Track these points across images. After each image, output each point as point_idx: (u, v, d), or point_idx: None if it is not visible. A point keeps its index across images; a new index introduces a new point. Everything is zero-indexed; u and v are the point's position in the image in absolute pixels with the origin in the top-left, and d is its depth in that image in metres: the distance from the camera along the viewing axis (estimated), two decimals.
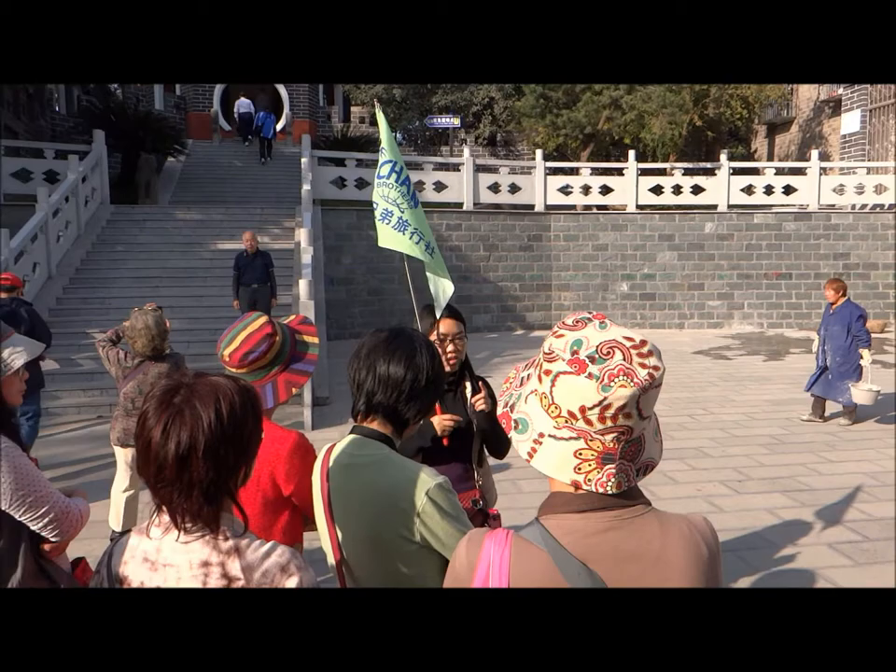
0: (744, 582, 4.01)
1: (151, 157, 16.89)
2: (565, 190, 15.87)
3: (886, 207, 15.84)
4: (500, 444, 2.63)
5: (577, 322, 1.09)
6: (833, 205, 16.12)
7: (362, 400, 1.59)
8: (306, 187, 12.77)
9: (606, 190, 15.86)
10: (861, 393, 7.12)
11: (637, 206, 15.72)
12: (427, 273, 3.20)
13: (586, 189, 15.86)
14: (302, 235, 10.64)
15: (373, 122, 24.47)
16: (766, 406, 8.31)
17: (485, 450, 2.66)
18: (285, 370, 1.90)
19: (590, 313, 1.11)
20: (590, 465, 1.05)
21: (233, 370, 1.87)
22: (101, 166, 13.46)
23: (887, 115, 16.87)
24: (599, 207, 16.67)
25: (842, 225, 15.59)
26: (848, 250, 15.55)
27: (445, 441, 2.36)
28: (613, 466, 1.06)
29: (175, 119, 21.04)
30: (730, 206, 15.74)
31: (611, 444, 1.04)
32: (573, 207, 16.28)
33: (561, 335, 1.08)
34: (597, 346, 1.03)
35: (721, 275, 15.57)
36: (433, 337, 2.65)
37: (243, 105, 21.21)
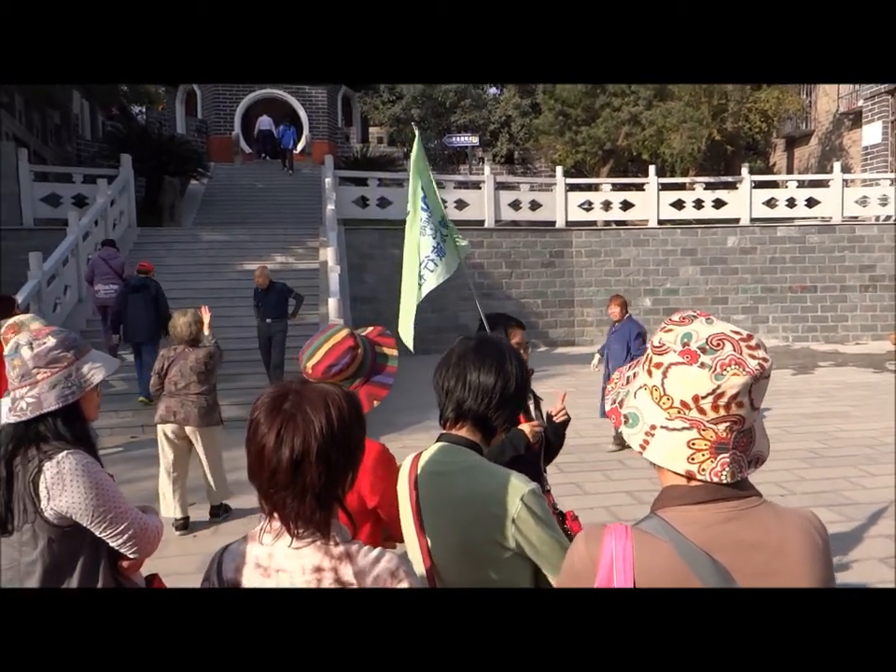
0: None
1: (175, 180, 17.14)
2: (585, 206, 15.89)
3: None
4: (555, 453, 2.69)
5: (683, 318, 1.12)
6: (857, 217, 16.01)
7: (451, 407, 1.59)
8: (330, 206, 12.88)
9: (627, 206, 15.86)
10: None
11: (659, 221, 15.70)
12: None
13: (607, 205, 15.87)
14: (329, 254, 10.72)
15: (392, 142, 24.72)
16: (800, 420, 8.21)
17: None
18: (366, 382, 1.90)
19: (693, 311, 1.13)
20: (703, 455, 1.06)
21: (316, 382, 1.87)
22: (128, 190, 13.67)
23: None
24: (620, 223, 16.66)
25: (867, 237, 15.47)
26: (874, 262, 15.40)
27: (536, 447, 2.41)
28: (727, 455, 1.07)
29: (196, 142, 21.33)
30: (752, 220, 15.67)
31: (724, 434, 1.06)
32: (594, 223, 16.29)
33: (669, 330, 1.11)
34: (707, 338, 1.06)
35: (744, 289, 15.47)
36: None
37: (264, 122, 21.84)
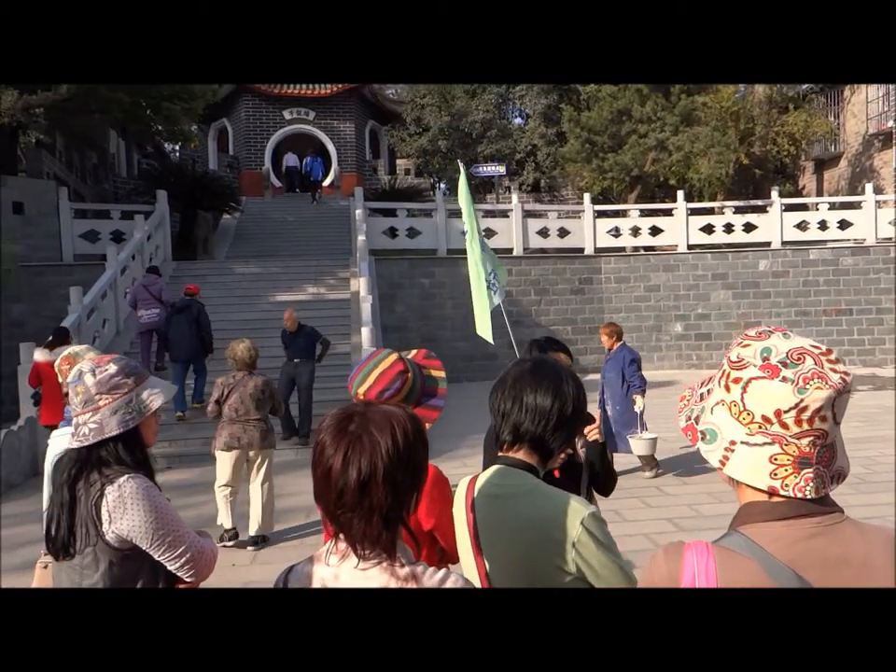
0: None
1: (208, 215, 17.51)
2: (614, 233, 15.88)
3: None
4: (608, 479, 2.61)
5: (760, 333, 1.12)
6: (891, 238, 15.78)
7: (508, 430, 1.60)
8: (361, 237, 13.05)
9: (655, 231, 15.83)
10: (638, 443, 6.75)
11: (689, 246, 15.63)
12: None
13: (636, 231, 15.85)
14: (361, 284, 10.83)
15: (419, 174, 25.02)
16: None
17: (593, 491, 2.62)
18: (417, 405, 1.92)
19: (769, 326, 1.13)
20: (786, 470, 1.05)
21: None
22: (164, 225, 14.00)
23: None
24: (649, 248, 16.61)
25: None
26: None
27: (556, 474, 2.35)
28: (810, 470, 1.06)
29: (228, 177, 21.81)
30: (784, 243, 15.53)
31: (807, 448, 1.05)
32: (623, 249, 16.26)
33: (747, 345, 1.10)
34: (787, 352, 1.06)
35: (778, 313, 15.27)
36: None
37: (290, 159, 22.45)
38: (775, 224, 15.52)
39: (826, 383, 1.02)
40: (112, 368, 1.93)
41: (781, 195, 16.12)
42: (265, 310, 12.24)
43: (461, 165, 3.87)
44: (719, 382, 1.13)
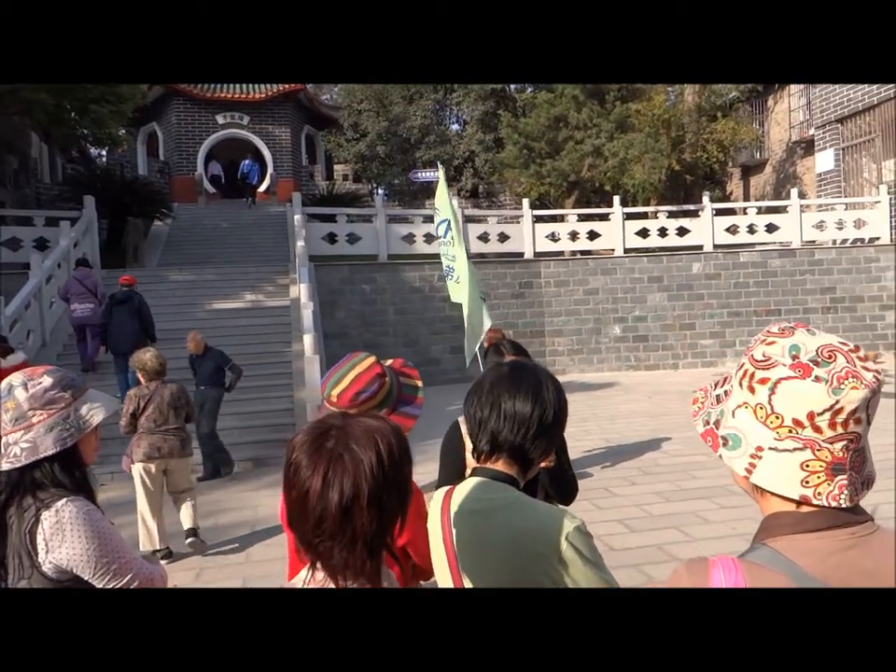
0: None
1: (138, 221, 16.89)
2: (553, 237, 16.06)
3: (866, 241, 16.20)
4: (565, 493, 2.54)
5: (783, 330, 1.04)
6: (815, 241, 16.45)
7: (485, 440, 1.51)
8: (300, 243, 12.80)
9: (593, 236, 16.07)
10: None
11: (625, 250, 15.92)
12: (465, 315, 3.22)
13: (574, 236, 16.06)
14: (302, 291, 10.60)
15: (357, 179, 24.80)
16: None
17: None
18: (392, 412, 1.81)
19: (789, 322, 1.06)
20: (819, 477, 0.98)
21: (341, 411, 1.77)
22: (91, 231, 13.43)
23: (859, 153, 17.39)
24: (587, 252, 16.85)
25: (826, 260, 15.88)
26: (834, 284, 15.79)
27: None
28: (844, 477, 0.98)
29: (159, 183, 21.14)
30: (715, 246, 15.99)
31: (841, 453, 0.97)
32: (562, 253, 16.45)
33: (772, 342, 1.02)
34: (817, 350, 0.98)
35: (711, 314, 15.71)
36: None
37: (214, 168, 22.37)
38: (706, 228, 15.97)
39: (861, 382, 0.95)
40: (47, 380, 1.75)
41: (711, 200, 16.61)
42: (201, 318, 11.86)
43: (440, 167, 3.78)
44: (740, 383, 1.05)
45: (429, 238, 15.41)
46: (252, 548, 5.58)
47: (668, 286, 15.72)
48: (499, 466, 1.52)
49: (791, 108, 21.43)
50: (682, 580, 1.03)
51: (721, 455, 1.07)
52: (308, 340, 8.66)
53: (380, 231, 14.89)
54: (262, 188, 22.92)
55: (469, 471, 1.64)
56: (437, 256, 15.51)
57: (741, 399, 1.04)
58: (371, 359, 1.82)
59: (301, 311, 10.16)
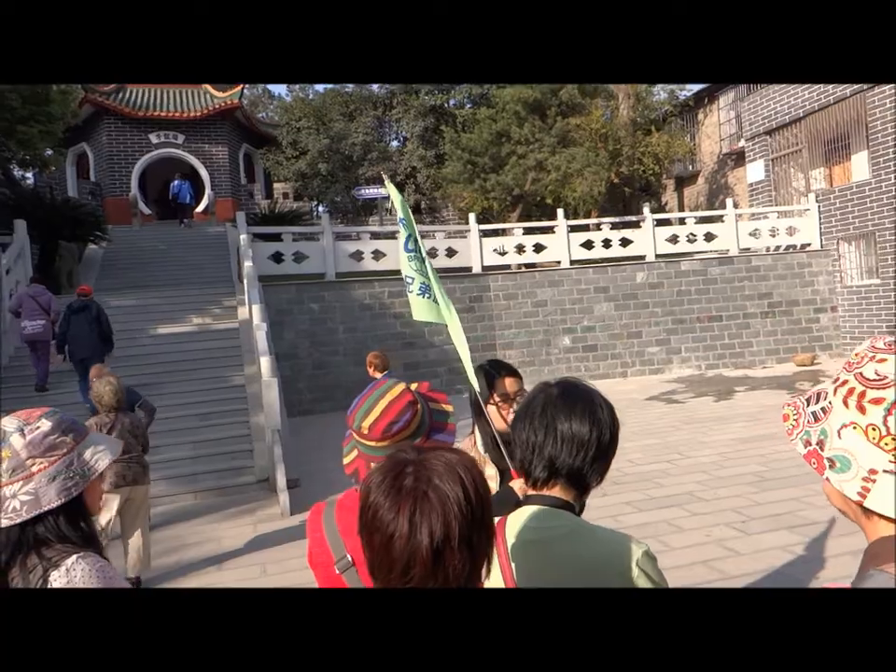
0: None
1: (72, 245, 16.25)
2: (500, 251, 16.15)
3: (799, 247, 16.86)
4: None
5: (889, 345, 1.00)
6: (751, 249, 17.03)
7: (541, 465, 1.43)
8: (248, 263, 12.49)
9: (539, 248, 16.24)
10: None
11: (571, 262, 16.14)
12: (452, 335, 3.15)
13: (520, 249, 16.20)
14: (254, 312, 10.31)
15: (298, 197, 24.47)
16: (737, 445, 8.44)
17: None
18: (426, 441, 1.71)
19: (892, 336, 1.02)
20: None
21: (372, 443, 1.65)
22: (24, 257, 12.85)
23: (787, 163, 18.11)
24: (533, 265, 17.01)
25: (762, 266, 16.44)
26: (771, 289, 16.36)
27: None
28: None
29: (91, 205, 20.39)
30: (657, 256, 16.37)
31: None
32: (509, 267, 16.56)
33: (883, 359, 0.98)
34: None
35: (656, 322, 16.04)
36: (496, 398, 2.57)
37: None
38: (648, 238, 16.34)
39: None
40: (45, 424, 1.59)
41: (650, 211, 17.04)
42: (145, 344, 11.45)
43: (387, 179, 3.69)
44: (845, 402, 1.00)
45: (377, 255, 15.29)
46: (225, 587, 5.34)
47: (614, 295, 15.99)
48: (556, 492, 1.45)
49: (721, 121, 22.22)
50: None
51: (827, 478, 1.01)
52: (265, 362, 8.41)
53: (327, 250, 14.69)
54: (200, 207, 22.38)
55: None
56: (385, 273, 15.50)
57: (847, 419, 1.00)
58: (402, 386, 1.70)
59: (254, 332, 9.87)
